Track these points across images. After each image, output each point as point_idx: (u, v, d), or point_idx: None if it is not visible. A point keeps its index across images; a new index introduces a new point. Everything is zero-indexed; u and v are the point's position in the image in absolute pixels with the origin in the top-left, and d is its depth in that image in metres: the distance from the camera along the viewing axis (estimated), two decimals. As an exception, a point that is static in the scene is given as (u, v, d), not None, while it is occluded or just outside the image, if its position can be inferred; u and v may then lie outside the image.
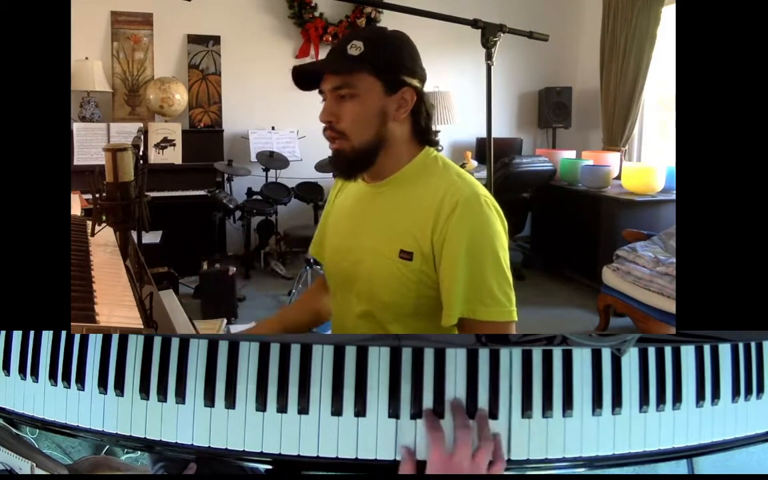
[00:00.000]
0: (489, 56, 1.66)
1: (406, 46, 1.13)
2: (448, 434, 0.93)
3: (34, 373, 1.06)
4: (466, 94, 4.91)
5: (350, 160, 1.11)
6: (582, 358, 0.99)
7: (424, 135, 1.16)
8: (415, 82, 1.11)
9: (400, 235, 1.09)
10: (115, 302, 0.94)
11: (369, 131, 1.09)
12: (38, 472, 1.03)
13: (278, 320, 1.35)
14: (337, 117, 1.09)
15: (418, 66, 1.13)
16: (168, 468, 1.17)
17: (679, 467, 1.74)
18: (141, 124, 3.99)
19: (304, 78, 1.13)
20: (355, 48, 1.07)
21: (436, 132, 1.19)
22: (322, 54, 4.85)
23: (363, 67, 1.07)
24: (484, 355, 0.98)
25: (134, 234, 1.38)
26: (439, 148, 1.19)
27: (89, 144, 4.14)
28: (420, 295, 1.09)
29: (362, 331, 1.16)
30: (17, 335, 1.10)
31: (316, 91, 1.13)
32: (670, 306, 2.82)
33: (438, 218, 1.05)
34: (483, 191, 1.09)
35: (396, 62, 1.10)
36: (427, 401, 0.96)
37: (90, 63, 4.28)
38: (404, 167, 1.14)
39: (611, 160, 4.55)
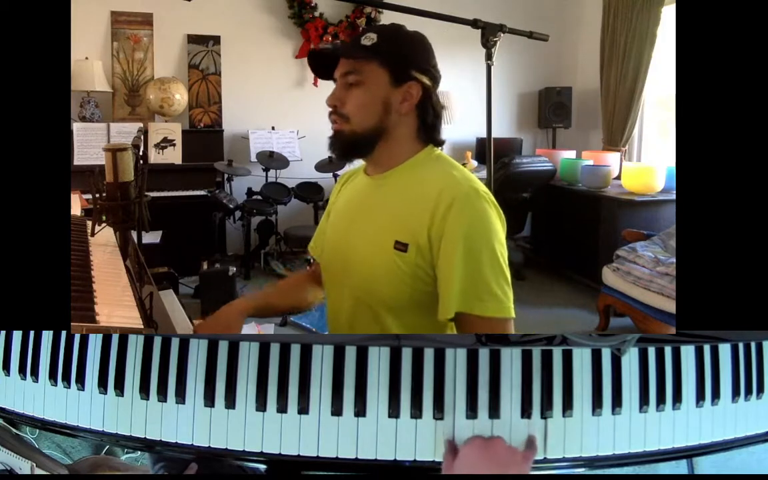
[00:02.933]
0: (489, 56, 1.66)
1: (419, 44, 1.15)
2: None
3: (34, 373, 1.06)
4: (466, 94, 4.91)
5: (348, 142, 1.13)
6: (582, 358, 0.99)
7: (429, 133, 1.17)
8: (424, 79, 1.13)
9: (396, 227, 1.10)
10: (115, 302, 0.94)
11: (371, 118, 1.11)
12: (38, 472, 1.03)
13: (257, 301, 1.26)
14: (342, 101, 1.12)
15: (430, 65, 1.15)
16: (168, 468, 1.16)
17: (679, 467, 1.74)
18: (141, 124, 3.98)
19: (319, 62, 1.17)
20: (369, 39, 1.11)
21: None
22: (322, 54, 4.85)
23: (372, 56, 1.10)
24: (484, 355, 0.98)
25: (134, 234, 1.38)
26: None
27: (89, 144, 4.14)
28: (415, 289, 1.08)
29: (357, 322, 1.16)
30: (17, 335, 1.10)
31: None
32: (670, 306, 2.82)
33: (436, 212, 1.05)
34: (481, 187, 1.09)
35: (405, 55, 1.12)
36: (427, 401, 0.96)
37: (90, 63, 4.28)
38: (406, 161, 1.15)
39: (611, 160, 4.55)
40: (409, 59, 1.12)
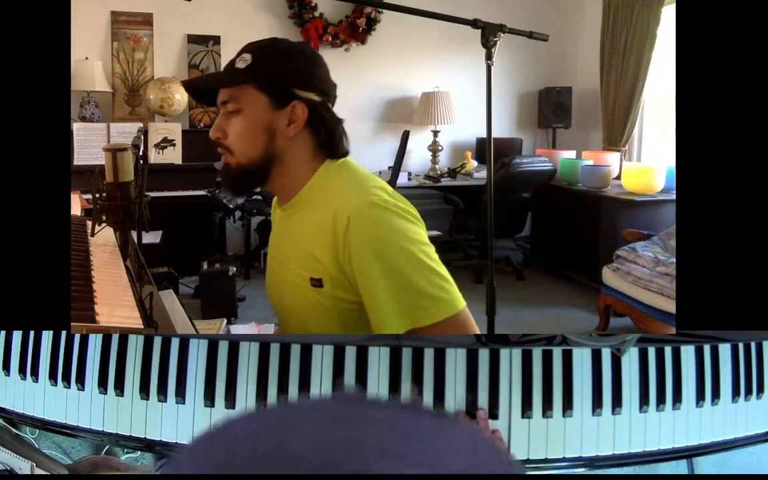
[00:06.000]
0: (489, 56, 1.66)
1: (301, 57, 1.06)
2: None
3: (34, 373, 1.06)
4: (466, 94, 4.91)
5: (235, 177, 1.04)
6: (582, 358, 0.99)
7: (327, 149, 1.06)
8: (311, 96, 1.03)
9: (308, 262, 1.01)
10: (115, 302, 0.94)
11: (255, 148, 1.02)
12: (38, 472, 1.03)
13: None
14: (224, 132, 1.03)
15: (316, 78, 1.05)
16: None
17: (679, 467, 1.74)
18: (141, 124, 3.98)
19: (199, 93, 1.09)
20: (243, 60, 1.01)
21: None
22: (323, 53, 4.85)
23: (247, 79, 1.01)
24: (484, 355, 0.98)
25: (134, 234, 1.38)
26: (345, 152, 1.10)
27: (89, 144, 4.14)
28: (344, 323, 1.01)
29: None
30: (17, 335, 1.10)
31: None
32: (670, 306, 2.82)
33: (336, 239, 0.96)
34: (377, 195, 0.98)
35: (285, 74, 1.02)
36: (427, 401, 0.96)
37: (90, 63, 4.28)
38: (305, 186, 1.05)
39: (611, 160, 4.55)
40: (289, 78, 1.02)
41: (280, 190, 1.09)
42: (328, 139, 1.05)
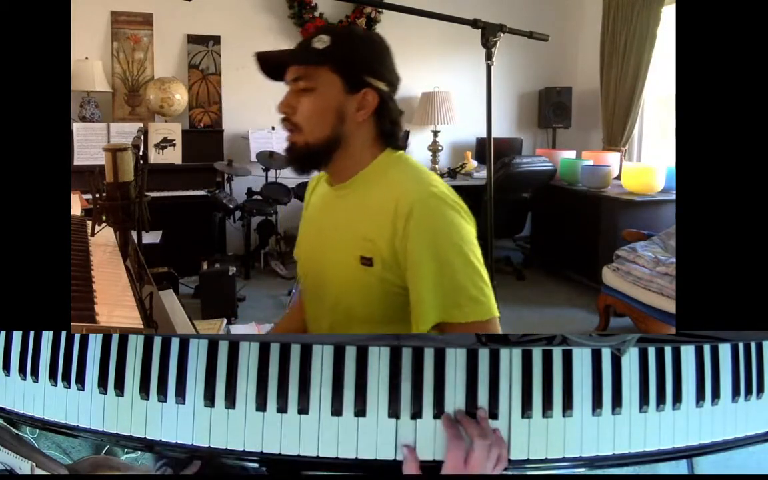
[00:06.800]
0: (489, 56, 1.66)
1: (376, 47, 1.09)
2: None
3: (34, 373, 1.06)
4: (466, 94, 4.91)
5: (303, 155, 1.08)
6: (582, 358, 0.99)
7: (388, 138, 1.11)
8: (381, 85, 1.07)
9: (360, 241, 1.04)
10: (115, 302, 0.94)
11: (324, 128, 1.05)
12: (38, 472, 1.03)
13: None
14: (293, 109, 1.06)
15: (387, 69, 1.09)
16: (171, 464, 1.16)
17: (679, 467, 1.74)
18: (141, 124, 3.98)
19: (269, 66, 1.10)
20: (321, 42, 1.04)
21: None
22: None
23: (324, 60, 1.03)
24: (484, 355, 0.98)
25: (134, 234, 1.38)
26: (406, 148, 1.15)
27: (89, 144, 4.14)
28: (387, 304, 1.04)
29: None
30: (17, 335, 1.10)
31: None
32: (670, 306, 2.82)
33: (396, 224, 1.00)
34: (440, 189, 1.03)
35: (360, 61, 1.06)
36: (427, 401, 0.96)
37: (90, 63, 4.28)
38: (364, 170, 1.09)
39: (611, 160, 4.55)
40: (364, 64, 1.06)
41: (337, 170, 1.12)
42: (390, 129, 1.10)
